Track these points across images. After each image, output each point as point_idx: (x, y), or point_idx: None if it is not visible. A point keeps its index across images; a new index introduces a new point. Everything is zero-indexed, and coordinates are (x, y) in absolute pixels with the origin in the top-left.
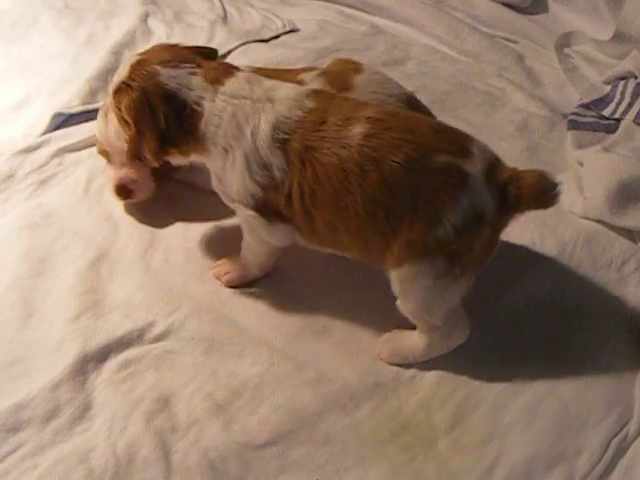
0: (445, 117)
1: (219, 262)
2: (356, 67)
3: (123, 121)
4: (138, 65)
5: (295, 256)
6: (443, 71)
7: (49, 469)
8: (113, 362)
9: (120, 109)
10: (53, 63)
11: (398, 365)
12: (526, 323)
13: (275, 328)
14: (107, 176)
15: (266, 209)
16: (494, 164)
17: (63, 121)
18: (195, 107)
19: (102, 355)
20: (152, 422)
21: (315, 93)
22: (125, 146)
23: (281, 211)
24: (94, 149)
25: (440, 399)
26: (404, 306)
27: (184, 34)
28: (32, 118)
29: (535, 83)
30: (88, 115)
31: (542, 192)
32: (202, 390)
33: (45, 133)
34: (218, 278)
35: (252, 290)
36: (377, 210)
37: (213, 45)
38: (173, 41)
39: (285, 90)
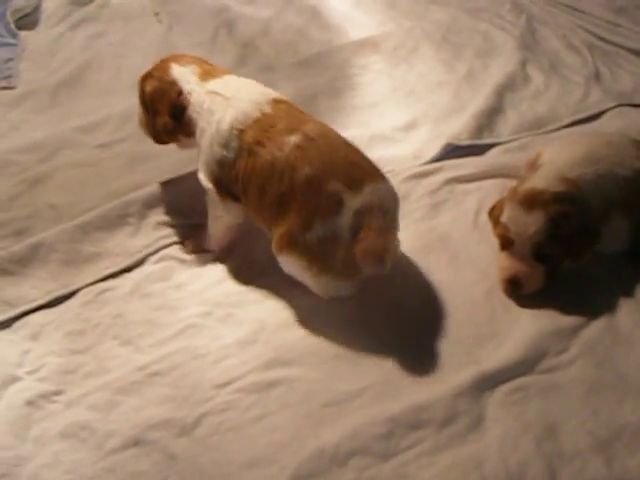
0: None
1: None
2: None
3: (145, 104)
4: (161, 62)
5: None
6: None
7: (445, 469)
8: (506, 385)
9: (145, 93)
10: (435, 92)
11: None
12: None
13: None
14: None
15: (221, 185)
16: (370, 210)
17: (451, 151)
18: (187, 96)
19: (498, 377)
20: (542, 446)
21: (275, 102)
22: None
23: (232, 188)
24: (482, 183)
25: None
26: None
27: (561, 85)
28: (419, 141)
29: None
30: (475, 149)
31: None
32: (585, 426)
33: (435, 160)
34: (184, 247)
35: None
36: (280, 201)
37: (588, 103)
38: (551, 91)
39: (251, 94)
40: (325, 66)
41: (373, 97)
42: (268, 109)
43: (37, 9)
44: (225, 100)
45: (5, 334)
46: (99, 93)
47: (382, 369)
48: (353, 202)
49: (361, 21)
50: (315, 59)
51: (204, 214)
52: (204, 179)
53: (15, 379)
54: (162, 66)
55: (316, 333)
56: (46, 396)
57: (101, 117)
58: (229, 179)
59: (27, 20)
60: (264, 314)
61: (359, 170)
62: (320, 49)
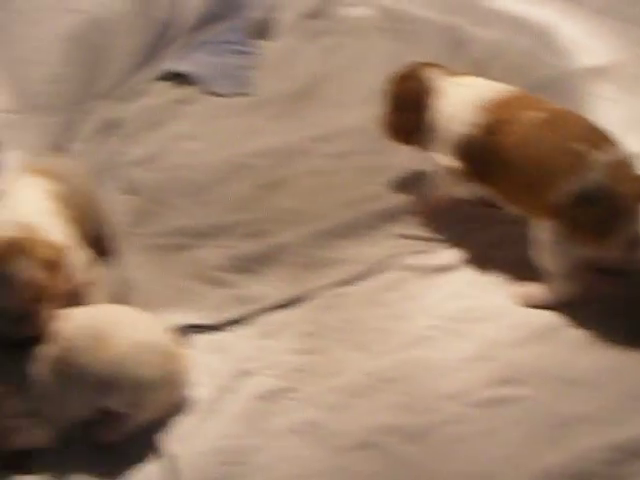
0: None
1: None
2: None
3: (393, 102)
4: (411, 65)
5: None
6: None
7: None
8: None
9: (394, 92)
10: None
11: None
12: None
13: None
14: None
15: (462, 157)
16: (623, 162)
17: None
18: (434, 92)
19: None
20: None
21: (519, 92)
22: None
23: (472, 160)
24: None
25: None
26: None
27: None
28: None
29: None
30: None
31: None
32: None
33: None
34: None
35: None
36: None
37: None
38: None
39: (492, 84)
40: (558, 91)
41: (607, 126)
42: (514, 91)
43: (272, 20)
44: (467, 88)
45: (243, 329)
46: (333, 105)
47: (611, 395)
48: (600, 156)
49: (593, 47)
50: (548, 84)
51: (443, 228)
52: (441, 156)
53: (251, 373)
54: (413, 67)
55: (547, 354)
56: (280, 392)
57: (336, 128)
58: (466, 155)
59: (262, 30)
60: (497, 331)
61: (603, 132)
62: (552, 73)
